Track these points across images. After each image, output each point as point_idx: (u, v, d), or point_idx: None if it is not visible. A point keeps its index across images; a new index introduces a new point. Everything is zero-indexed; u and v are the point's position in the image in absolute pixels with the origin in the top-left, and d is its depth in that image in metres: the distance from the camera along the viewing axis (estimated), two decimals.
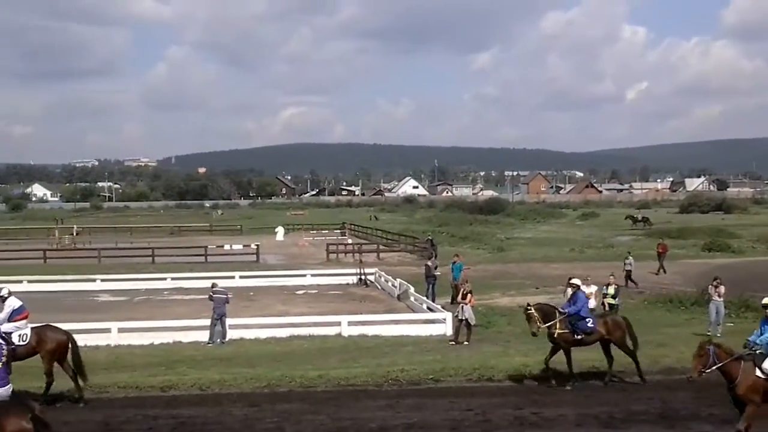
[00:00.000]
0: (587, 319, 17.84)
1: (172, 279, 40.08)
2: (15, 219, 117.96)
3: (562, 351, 17.87)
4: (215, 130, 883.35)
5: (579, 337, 17.77)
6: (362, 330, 25.93)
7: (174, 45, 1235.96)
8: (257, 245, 54.04)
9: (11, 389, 12.17)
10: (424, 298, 30.93)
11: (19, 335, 16.39)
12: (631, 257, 37.00)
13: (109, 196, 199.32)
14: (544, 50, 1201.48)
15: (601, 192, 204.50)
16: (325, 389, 17.77)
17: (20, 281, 38.21)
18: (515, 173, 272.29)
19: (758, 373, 12.78)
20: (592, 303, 24.16)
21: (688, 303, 29.82)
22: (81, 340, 23.91)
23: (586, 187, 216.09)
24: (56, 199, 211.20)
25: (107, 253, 52.48)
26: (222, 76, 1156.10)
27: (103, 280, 39.66)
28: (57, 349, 16.61)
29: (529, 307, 17.89)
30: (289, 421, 15.27)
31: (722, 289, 24.55)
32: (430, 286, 32.47)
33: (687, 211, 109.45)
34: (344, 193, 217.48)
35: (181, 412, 15.90)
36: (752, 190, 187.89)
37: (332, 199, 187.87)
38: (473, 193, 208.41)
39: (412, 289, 32.70)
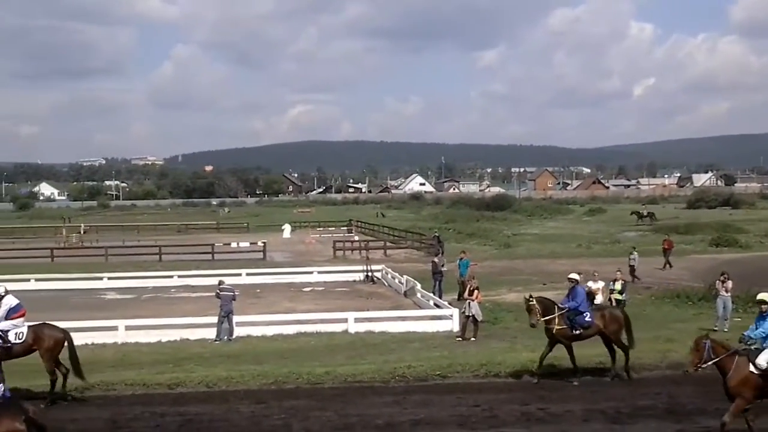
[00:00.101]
0: (585, 314, 17.83)
1: (179, 277, 40.21)
2: (22, 218, 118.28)
3: (564, 348, 17.83)
4: (222, 129, 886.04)
5: (577, 332, 17.75)
6: (369, 327, 25.97)
7: (181, 44, 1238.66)
8: (264, 243, 54.09)
9: (2, 389, 12.03)
10: (431, 294, 30.93)
11: (16, 333, 16.37)
12: (635, 252, 36.95)
13: (116, 195, 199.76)
14: (551, 47, 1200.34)
15: (608, 188, 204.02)
16: (332, 386, 17.75)
17: (28, 280, 38.45)
18: (522, 170, 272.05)
19: (751, 368, 12.74)
20: (599, 299, 24.23)
21: (696, 298, 29.81)
22: (88, 338, 24.19)
23: (593, 183, 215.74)
24: (63, 197, 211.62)
25: (114, 252, 52.61)
26: (229, 75, 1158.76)
27: (110, 279, 39.81)
28: (55, 347, 16.58)
29: (531, 299, 17.88)
30: (296, 417, 15.26)
31: (729, 284, 24.49)
32: (437, 282, 32.48)
33: (694, 206, 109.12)
34: (351, 190, 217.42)
35: (188, 410, 15.91)
36: (760, 185, 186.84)
37: (339, 196, 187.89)
38: (480, 190, 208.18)
39: (418, 286, 32.71)
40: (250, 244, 57.16)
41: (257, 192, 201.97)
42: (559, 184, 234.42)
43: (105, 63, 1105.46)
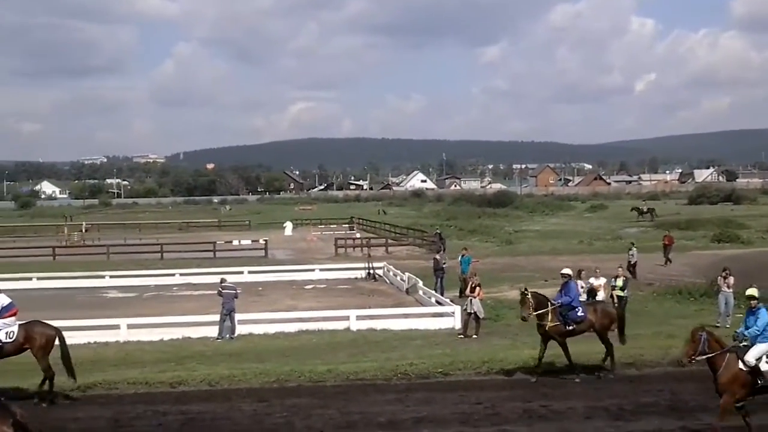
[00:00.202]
0: (577, 309, 17.87)
1: (181, 275, 40.22)
2: (24, 216, 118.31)
3: (558, 345, 17.84)
4: (223, 126, 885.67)
5: (570, 327, 17.80)
6: (371, 324, 25.97)
7: (181, 41, 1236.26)
8: (266, 240, 54.12)
9: None
10: (433, 291, 30.93)
11: (7, 332, 16.33)
12: (634, 248, 36.90)
13: (117, 193, 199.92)
14: (552, 43, 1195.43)
15: (609, 184, 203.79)
16: (334, 384, 17.76)
17: (30, 278, 38.52)
18: (523, 166, 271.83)
19: (740, 365, 12.73)
20: (601, 295, 24.22)
21: (698, 294, 29.79)
22: (91, 336, 24.27)
23: (595, 179, 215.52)
24: (65, 196, 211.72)
25: (116, 250, 52.59)
26: (230, 72, 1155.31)
27: (111, 277, 39.83)
28: (47, 345, 16.53)
29: (525, 291, 17.93)
30: (298, 415, 15.27)
31: (731, 280, 24.48)
32: (439, 279, 32.48)
33: (696, 202, 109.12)
34: (352, 187, 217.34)
35: (190, 408, 15.92)
36: (761, 180, 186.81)
37: (340, 193, 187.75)
38: (481, 187, 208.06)
39: (420, 283, 32.70)
40: (252, 241, 57.17)
41: (259, 189, 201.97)
42: (560, 180, 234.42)
43: (106, 61, 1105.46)
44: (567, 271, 18.57)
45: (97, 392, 17.25)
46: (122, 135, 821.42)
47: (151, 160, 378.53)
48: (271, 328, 25.79)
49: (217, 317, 25.41)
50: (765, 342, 12.94)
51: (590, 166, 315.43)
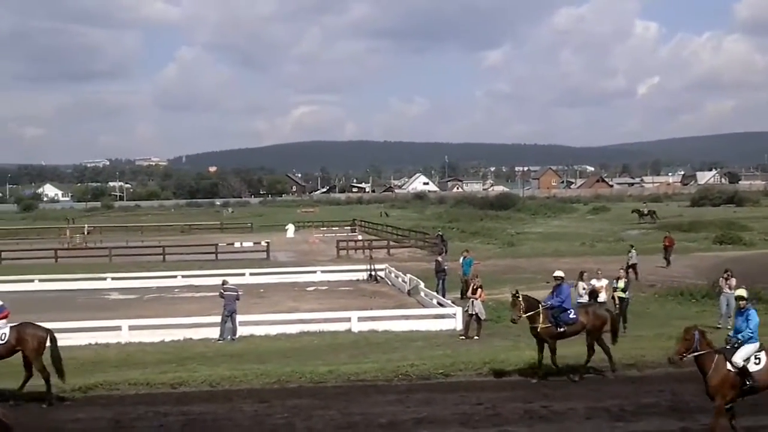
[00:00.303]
0: (569, 311, 17.92)
1: (183, 277, 40.27)
2: (26, 219, 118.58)
3: (548, 348, 17.86)
4: (226, 130, 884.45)
5: (562, 329, 17.85)
6: (372, 325, 25.98)
7: (185, 46, 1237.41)
8: (268, 242, 54.18)
9: None
10: (435, 293, 30.93)
11: None
12: (633, 251, 36.84)
13: (120, 196, 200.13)
14: (555, 46, 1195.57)
15: (612, 186, 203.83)
16: (335, 384, 17.75)
17: (32, 280, 38.58)
18: (526, 169, 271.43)
19: (729, 366, 12.72)
20: (602, 296, 24.23)
21: (699, 296, 29.81)
22: (92, 337, 24.32)
23: (597, 181, 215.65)
24: (67, 199, 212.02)
25: (118, 252, 52.68)
26: (233, 76, 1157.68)
27: (113, 279, 39.88)
28: (39, 347, 16.50)
29: (516, 294, 17.99)
30: (299, 416, 15.27)
31: (733, 281, 24.43)
32: (441, 281, 32.48)
33: (698, 204, 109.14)
34: (355, 190, 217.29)
35: (191, 409, 15.93)
36: (764, 182, 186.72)
37: (343, 196, 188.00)
38: (484, 189, 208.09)
39: (422, 285, 32.72)
40: (254, 244, 57.28)
41: (261, 192, 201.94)
42: (563, 182, 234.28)
43: (109, 66, 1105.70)
44: (559, 273, 18.70)
45: (98, 393, 17.24)
46: (125, 139, 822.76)
47: (154, 163, 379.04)
48: (273, 330, 25.81)
49: (218, 319, 25.42)
50: (753, 343, 12.94)
51: (593, 169, 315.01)
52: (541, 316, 17.75)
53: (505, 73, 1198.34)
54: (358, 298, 33.94)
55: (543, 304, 18.00)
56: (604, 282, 24.58)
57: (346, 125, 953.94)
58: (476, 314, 24.11)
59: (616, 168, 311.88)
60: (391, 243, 57.25)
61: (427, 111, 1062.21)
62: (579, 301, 23.56)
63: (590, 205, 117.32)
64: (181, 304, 32.82)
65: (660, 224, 71.10)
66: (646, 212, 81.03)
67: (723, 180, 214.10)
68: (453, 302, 28.29)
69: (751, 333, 12.98)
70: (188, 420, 15.25)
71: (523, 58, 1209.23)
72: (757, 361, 12.78)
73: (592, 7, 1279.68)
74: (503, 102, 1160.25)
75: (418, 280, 33.75)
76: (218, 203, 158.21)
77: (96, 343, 24.29)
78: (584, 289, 24.40)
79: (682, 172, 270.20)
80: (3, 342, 16.35)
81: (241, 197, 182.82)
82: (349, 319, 26.34)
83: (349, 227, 79.83)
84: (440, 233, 52.93)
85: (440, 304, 28.83)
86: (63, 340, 22.01)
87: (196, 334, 25.31)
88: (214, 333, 25.18)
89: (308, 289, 37.45)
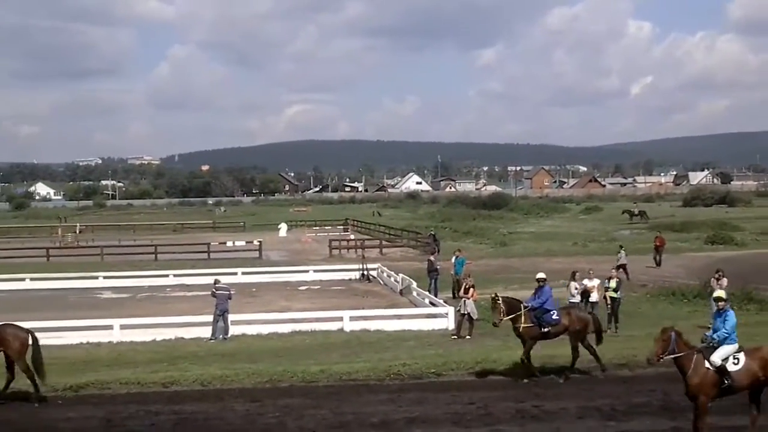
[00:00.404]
0: (552, 312, 18.04)
1: (175, 276, 40.19)
2: (18, 218, 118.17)
3: (524, 345, 17.92)
4: (219, 129, 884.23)
5: (546, 330, 17.98)
6: (364, 325, 25.97)
7: (178, 44, 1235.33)
8: (260, 242, 54.11)
9: None
10: (427, 292, 30.94)
11: None
12: (623, 251, 36.85)
13: (112, 194, 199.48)
14: (549, 46, 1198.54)
15: (604, 186, 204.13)
16: (326, 384, 17.77)
17: (23, 279, 38.47)
18: (518, 168, 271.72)
19: (707, 365, 12.76)
20: (594, 296, 24.32)
21: (691, 296, 29.87)
22: (84, 337, 24.25)
23: (590, 181, 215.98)
24: (59, 197, 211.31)
25: (110, 251, 52.56)
26: (227, 75, 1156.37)
27: (105, 278, 39.81)
28: (21, 348, 16.42)
29: (496, 297, 18.08)
30: (290, 416, 15.27)
31: (724, 281, 24.54)
32: (433, 280, 32.48)
33: (690, 204, 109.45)
34: (347, 189, 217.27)
35: (183, 408, 15.92)
36: (756, 183, 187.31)
37: (335, 195, 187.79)
38: (476, 189, 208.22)
39: (414, 284, 32.72)
40: (246, 243, 57.16)
41: (254, 191, 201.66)
42: (555, 182, 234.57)
43: (104, 63, 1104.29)
44: (541, 275, 18.89)
45: (89, 392, 17.22)
46: (118, 137, 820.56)
47: (146, 162, 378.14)
48: (265, 329, 25.78)
49: (210, 318, 25.39)
50: (731, 344, 13.00)
51: (585, 169, 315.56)
52: (523, 316, 17.85)
53: (498, 72, 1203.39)
54: (351, 298, 33.93)
55: (525, 304, 18.09)
56: (595, 282, 24.69)
57: (338, 124, 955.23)
58: (468, 314, 24.13)
59: (609, 168, 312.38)
60: (384, 242, 57.29)
61: (419, 110, 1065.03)
62: (571, 300, 23.70)
63: (582, 205, 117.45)
64: (173, 303, 32.77)
65: (652, 224, 71.25)
66: (636, 212, 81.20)
67: (715, 180, 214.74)
68: (445, 302, 28.32)
69: (727, 333, 13.04)
70: (180, 419, 15.24)
71: (516, 58, 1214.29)
72: (736, 361, 12.85)
73: (585, 7, 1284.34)
74: (496, 101, 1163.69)
75: (411, 279, 33.75)
76: (211, 202, 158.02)
77: (87, 342, 24.23)
78: (576, 289, 24.50)
79: (675, 173, 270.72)
80: None
81: (233, 196, 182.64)
82: (341, 319, 26.33)
83: (341, 226, 79.85)
84: (433, 233, 52.96)
85: (432, 304, 28.85)
86: (55, 339, 22.17)
87: (188, 333, 25.27)
88: (206, 332, 25.14)
89: (300, 288, 37.43)
